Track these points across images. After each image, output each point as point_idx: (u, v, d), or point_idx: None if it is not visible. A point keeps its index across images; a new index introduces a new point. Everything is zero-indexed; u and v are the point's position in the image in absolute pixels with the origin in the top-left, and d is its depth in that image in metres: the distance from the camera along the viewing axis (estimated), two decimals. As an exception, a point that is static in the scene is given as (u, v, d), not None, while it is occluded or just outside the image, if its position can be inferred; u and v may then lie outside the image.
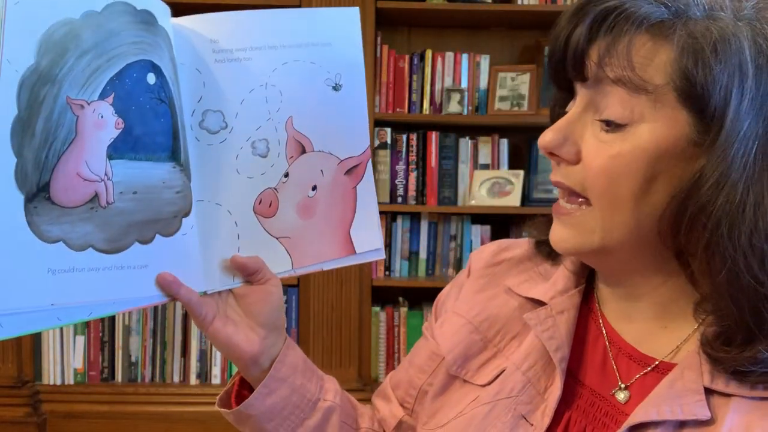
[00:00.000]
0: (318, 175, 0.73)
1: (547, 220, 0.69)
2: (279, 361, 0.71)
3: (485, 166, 2.47)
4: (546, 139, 0.59)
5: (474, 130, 2.49)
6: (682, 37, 0.53)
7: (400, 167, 2.42)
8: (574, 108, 0.60)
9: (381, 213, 2.42)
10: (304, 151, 0.72)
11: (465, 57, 2.42)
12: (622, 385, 0.63)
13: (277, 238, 0.72)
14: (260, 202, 0.71)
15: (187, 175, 0.66)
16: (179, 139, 0.64)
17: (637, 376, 0.62)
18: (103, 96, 0.58)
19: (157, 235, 0.62)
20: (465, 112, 2.40)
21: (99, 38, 0.58)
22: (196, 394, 2.33)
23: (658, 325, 0.63)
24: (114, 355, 2.36)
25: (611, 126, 0.56)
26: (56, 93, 0.56)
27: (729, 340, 0.55)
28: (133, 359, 2.36)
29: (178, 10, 0.66)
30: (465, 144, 2.45)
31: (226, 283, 0.69)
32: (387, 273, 2.45)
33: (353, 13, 0.73)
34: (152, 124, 0.62)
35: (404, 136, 2.42)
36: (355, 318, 2.31)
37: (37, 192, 0.55)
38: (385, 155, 2.41)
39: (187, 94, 0.67)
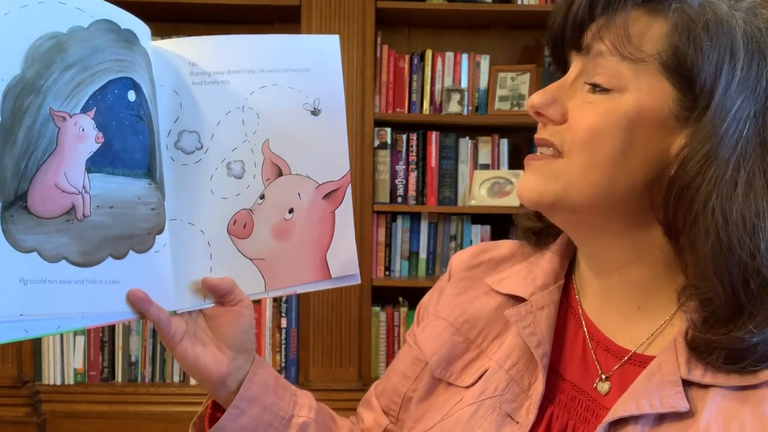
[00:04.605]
0: (295, 198, 0.73)
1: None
2: (248, 380, 0.70)
3: (485, 166, 2.47)
4: (534, 99, 0.62)
5: (474, 130, 2.49)
6: (675, 14, 0.56)
7: (400, 167, 2.42)
8: (567, 75, 0.62)
9: (381, 213, 2.44)
10: (281, 174, 0.72)
11: (465, 57, 2.42)
12: (603, 376, 0.64)
13: (251, 260, 0.71)
14: (234, 222, 0.70)
15: (162, 192, 0.66)
16: (155, 157, 0.65)
17: (615, 367, 0.63)
18: (85, 110, 0.58)
19: (130, 251, 0.62)
20: (465, 112, 2.40)
21: (84, 53, 0.58)
22: (196, 394, 2.33)
23: (632, 306, 0.64)
24: (114, 355, 2.37)
25: (597, 90, 0.59)
26: (40, 104, 0.55)
27: (716, 322, 0.55)
28: (133, 359, 2.37)
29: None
30: (465, 144, 2.45)
31: (196, 303, 0.69)
32: (387, 273, 2.45)
33: (333, 40, 0.74)
34: (131, 141, 0.62)
35: (404, 136, 2.42)
36: (355, 318, 2.31)
37: (15, 200, 0.54)
38: (385, 155, 2.41)
39: (164, 114, 0.67)
